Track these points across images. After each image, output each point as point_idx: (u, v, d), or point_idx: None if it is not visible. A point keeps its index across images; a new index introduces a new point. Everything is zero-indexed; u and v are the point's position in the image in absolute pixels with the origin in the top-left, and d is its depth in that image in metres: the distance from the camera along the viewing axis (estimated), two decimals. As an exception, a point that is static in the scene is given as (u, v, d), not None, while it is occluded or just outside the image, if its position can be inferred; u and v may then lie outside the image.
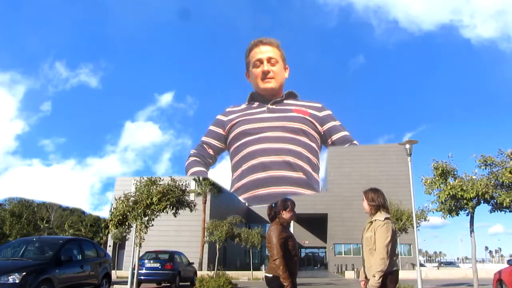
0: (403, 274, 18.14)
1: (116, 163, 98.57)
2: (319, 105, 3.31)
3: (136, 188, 11.65)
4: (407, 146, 14.47)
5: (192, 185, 30.04)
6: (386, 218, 3.46)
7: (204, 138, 3.35)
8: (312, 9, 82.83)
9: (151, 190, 11.27)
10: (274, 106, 3.16)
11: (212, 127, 3.37)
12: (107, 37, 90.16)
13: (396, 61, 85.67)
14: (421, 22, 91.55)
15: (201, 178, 31.45)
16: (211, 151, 3.28)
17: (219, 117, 3.38)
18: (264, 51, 3.07)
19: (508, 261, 9.93)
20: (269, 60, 3.07)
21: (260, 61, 3.09)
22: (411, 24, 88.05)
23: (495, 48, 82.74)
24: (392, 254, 3.41)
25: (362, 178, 41.38)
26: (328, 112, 3.28)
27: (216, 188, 32.51)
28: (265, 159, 2.92)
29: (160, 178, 11.77)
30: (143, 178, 11.70)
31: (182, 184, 11.95)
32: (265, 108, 3.17)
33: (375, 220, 3.49)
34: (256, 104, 3.27)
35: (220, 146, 3.26)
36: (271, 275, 3.56)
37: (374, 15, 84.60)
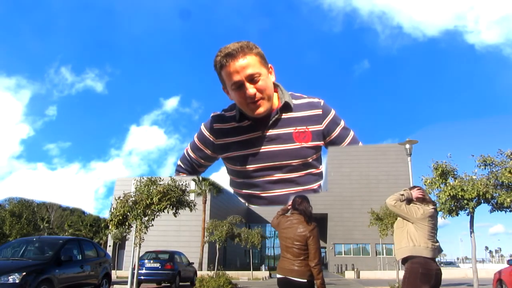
0: (402, 274, 18.08)
1: (121, 167, 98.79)
2: (319, 112, 2.92)
3: (136, 188, 11.64)
4: (407, 146, 14.47)
5: (192, 185, 30.05)
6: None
7: (192, 154, 3.08)
8: (318, 15, 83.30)
9: (151, 190, 11.26)
10: (271, 132, 2.74)
11: (199, 144, 3.00)
12: (113, 43, 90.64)
13: (400, 66, 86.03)
14: (425, 28, 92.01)
15: (201, 178, 31.46)
16: (200, 169, 3.16)
17: (206, 134, 2.95)
18: (239, 68, 2.44)
19: (508, 261, 9.94)
20: (250, 79, 2.47)
21: (239, 85, 2.48)
22: (415, 29, 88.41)
23: (499, 54, 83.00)
24: (408, 239, 3.46)
25: (362, 178, 41.41)
26: (330, 116, 2.95)
27: (216, 188, 32.52)
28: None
29: (160, 178, 11.76)
30: (143, 178, 11.68)
31: (182, 184, 11.94)
32: (260, 135, 2.74)
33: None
34: (247, 123, 2.81)
35: (209, 164, 3.14)
36: (305, 280, 3.24)
37: (378, 20, 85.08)
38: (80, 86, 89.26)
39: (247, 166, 2.77)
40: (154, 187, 11.36)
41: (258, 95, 2.59)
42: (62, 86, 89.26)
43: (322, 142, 2.88)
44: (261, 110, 2.67)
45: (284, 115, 2.81)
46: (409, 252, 3.42)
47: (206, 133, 2.95)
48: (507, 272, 9.74)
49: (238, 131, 2.80)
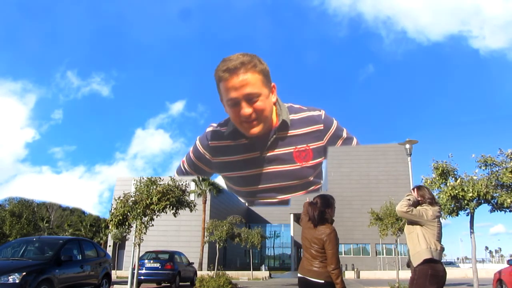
0: (403, 275, 18.13)
1: (125, 170, 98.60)
2: (321, 127, 2.77)
3: (136, 188, 11.64)
4: (407, 146, 14.47)
5: (192, 185, 30.05)
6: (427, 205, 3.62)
7: (188, 169, 3.03)
8: (323, 20, 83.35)
9: (151, 190, 11.26)
10: (270, 153, 2.56)
11: (195, 161, 2.87)
12: (119, 47, 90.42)
13: (404, 70, 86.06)
14: (429, 33, 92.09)
15: (201, 178, 31.45)
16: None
17: (202, 151, 2.80)
18: (238, 85, 2.22)
19: (508, 261, 9.94)
20: (248, 98, 2.30)
21: (236, 102, 2.36)
22: (420, 34, 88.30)
23: (503, 59, 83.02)
24: (421, 242, 3.42)
25: (362, 178, 41.41)
26: (332, 130, 2.81)
27: (216, 188, 32.51)
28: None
29: (160, 178, 11.75)
30: (143, 178, 11.68)
31: (182, 184, 11.94)
32: (259, 155, 2.56)
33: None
34: (244, 141, 2.61)
35: (205, 177, 3.10)
36: (322, 281, 3.25)
37: (383, 25, 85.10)
38: (86, 90, 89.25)
39: (247, 188, 2.68)
40: (154, 187, 11.36)
41: (254, 115, 2.40)
42: (68, 90, 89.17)
43: (323, 157, 2.80)
44: (255, 130, 2.50)
45: (283, 134, 2.64)
46: (427, 255, 3.37)
47: (202, 150, 2.83)
48: (507, 272, 9.74)
49: (235, 150, 2.66)
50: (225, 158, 2.54)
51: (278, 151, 2.50)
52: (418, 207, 3.56)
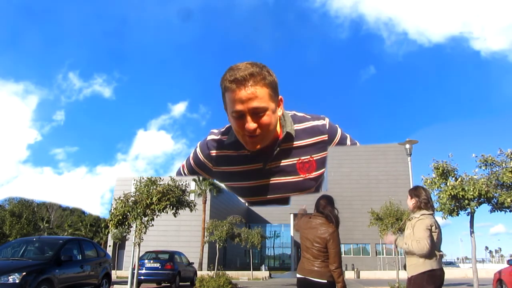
0: (403, 275, 18.13)
1: (126, 171, 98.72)
2: (325, 138, 2.69)
3: (136, 188, 11.64)
4: (407, 146, 14.49)
5: (192, 185, 30.05)
6: (422, 214, 3.45)
7: (188, 175, 2.98)
8: (324, 21, 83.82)
9: (150, 190, 11.27)
10: (273, 164, 2.53)
11: (196, 168, 2.80)
12: (121, 48, 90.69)
13: (405, 72, 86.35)
14: (430, 34, 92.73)
15: (201, 178, 31.46)
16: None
17: (202, 159, 2.73)
18: (244, 98, 2.17)
19: (508, 261, 9.95)
20: (253, 112, 2.29)
21: (241, 115, 2.36)
22: (421, 35, 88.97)
23: (504, 60, 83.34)
24: (431, 252, 3.32)
25: (362, 178, 41.40)
26: (336, 140, 2.76)
27: (216, 188, 32.52)
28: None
29: (160, 178, 11.76)
30: (143, 178, 11.69)
31: (182, 184, 11.95)
32: (261, 167, 2.53)
33: (413, 217, 3.50)
34: (246, 152, 2.56)
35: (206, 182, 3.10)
36: (325, 281, 3.23)
37: (384, 27, 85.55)
38: (88, 91, 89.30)
39: (248, 198, 2.66)
40: (154, 187, 11.36)
41: (258, 130, 2.34)
42: (70, 91, 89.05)
43: (325, 168, 2.77)
44: (260, 145, 2.45)
45: (287, 145, 2.58)
46: (422, 268, 3.31)
47: (202, 158, 2.75)
48: (507, 272, 9.75)
49: (237, 160, 2.58)
50: (226, 168, 2.44)
51: (281, 163, 2.41)
52: (418, 225, 3.38)
